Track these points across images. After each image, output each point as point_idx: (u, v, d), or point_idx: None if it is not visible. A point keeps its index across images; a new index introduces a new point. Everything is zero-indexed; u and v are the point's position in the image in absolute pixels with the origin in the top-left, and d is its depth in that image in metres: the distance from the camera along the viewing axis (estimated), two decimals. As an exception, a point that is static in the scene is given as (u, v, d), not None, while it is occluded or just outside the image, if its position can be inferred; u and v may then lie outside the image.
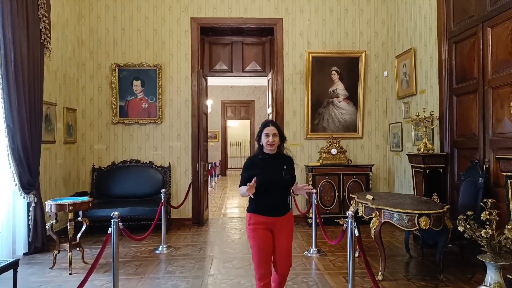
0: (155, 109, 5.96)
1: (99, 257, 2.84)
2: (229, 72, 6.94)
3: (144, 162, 5.93)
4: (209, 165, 10.79)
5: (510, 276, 3.05)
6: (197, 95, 6.01)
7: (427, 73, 5.03)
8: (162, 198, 4.65)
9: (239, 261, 4.08)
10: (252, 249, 2.50)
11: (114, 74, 5.90)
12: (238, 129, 17.29)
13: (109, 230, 2.95)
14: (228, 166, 16.83)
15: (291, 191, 2.60)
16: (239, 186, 2.55)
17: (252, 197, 2.40)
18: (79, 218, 4.02)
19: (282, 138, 2.62)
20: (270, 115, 6.32)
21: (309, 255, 4.25)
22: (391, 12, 6.17)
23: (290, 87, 6.23)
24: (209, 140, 8.18)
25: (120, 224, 3.01)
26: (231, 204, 8.16)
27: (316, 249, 4.29)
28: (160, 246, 4.53)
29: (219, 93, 14.91)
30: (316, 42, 6.24)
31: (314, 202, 4.38)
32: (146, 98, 5.96)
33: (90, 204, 4.11)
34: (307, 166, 5.96)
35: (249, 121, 15.47)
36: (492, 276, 2.79)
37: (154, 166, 5.90)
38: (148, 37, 6.05)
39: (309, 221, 5.49)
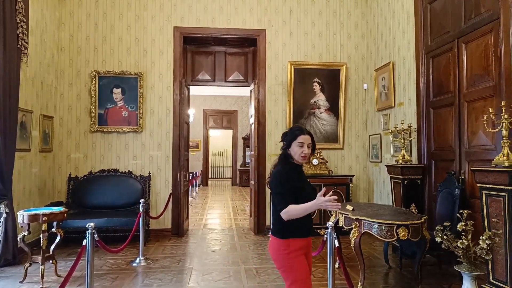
0: (135, 118, 5.87)
1: (72, 269, 2.73)
2: (212, 82, 6.93)
3: (123, 171, 5.81)
4: (190, 175, 10.69)
5: (485, 286, 3.11)
6: (179, 104, 5.97)
7: (405, 86, 5.16)
8: (141, 209, 4.55)
9: (218, 273, 4.02)
10: (297, 280, 2.06)
11: (93, 82, 5.79)
12: (220, 139, 17.24)
13: (84, 242, 2.85)
14: (210, 176, 16.70)
15: None
16: (284, 206, 2.03)
17: (337, 210, 2.06)
18: (53, 229, 3.88)
19: (314, 150, 2.28)
20: (252, 125, 6.33)
21: (289, 266, 4.22)
22: (370, 26, 6.33)
23: (273, 98, 6.27)
24: (190, 149, 8.10)
25: (96, 235, 2.92)
26: (212, 215, 8.06)
27: (297, 260, 4.27)
28: (138, 258, 4.41)
29: (202, 103, 14.87)
30: (298, 54, 6.32)
31: (295, 212, 4.37)
32: (127, 107, 5.87)
33: (65, 215, 3.98)
34: (289, 176, 5.96)
35: (231, 130, 15.45)
36: (468, 286, 2.83)
37: (133, 175, 5.78)
38: (129, 45, 5.99)
39: (290, 231, 5.46)
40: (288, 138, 2.22)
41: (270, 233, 2.22)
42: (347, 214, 3.74)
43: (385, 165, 5.14)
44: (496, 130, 3.26)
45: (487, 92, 3.65)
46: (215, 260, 4.53)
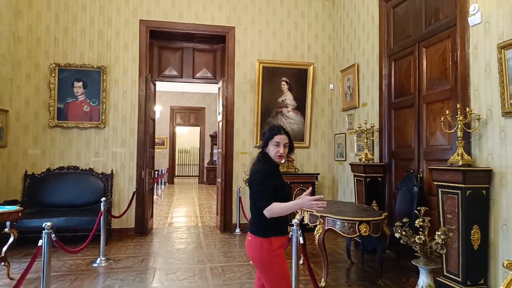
0: (97, 113, 5.65)
1: (26, 272, 2.60)
2: (179, 78, 6.82)
3: (84, 168, 5.57)
4: (156, 172, 10.48)
5: (439, 279, 3.29)
6: (144, 100, 5.81)
7: (369, 88, 5.33)
8: (102, 207, 4.40)
9: (183, 272, 3.96)
10: (280, 281, 2.08)
11: (53, 74, 5.51)
12: (188, 136, 17.02)
13: (40, 242, 2.71)
14: (176, 174, 16.46)
15: None
16: (267, 203, 2.02)
17: (322, 209, 2.05)
18: (6, 229, 3.66)
19: (291, 150, 2.27)
20: (220, 123, 6.29)
21: (255, 263, 4.24)
22: (337, 28, 6.47)
23: (241, 96, 6.26)
24: (156, 146, 7.93)
25: (53, 235, 2.78)
26: (177, 213, 7.94)
27: (263, 257, 4.29)
28: (98, 259, 4.26)
29: (168, 99, 14.60)
30: (267, 53, 6.35)
31: (262, 210, 4.40)
32: (88, 101, 5.63)
33: (20, 214, 3.76)
34: (256, 174, 5.99)
35: (199, 128, 15.29)
36: (424, 280, 2.97)
37: (94, 173, 5.57)
38: (93, 37, 5.75)
39: (257, 229, 5.49)
40: (265, 137, 2.23)
41: (249, 232, 2.18)
42: (312, 212, 3.81)
43: (349, 164, 5.29)
44: (452, 131, 3.45)
45: (444, 94, 3.84)
46: (180, 259, 4.47)
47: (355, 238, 4.23)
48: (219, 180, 6.28)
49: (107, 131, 5.73)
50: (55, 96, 5.51)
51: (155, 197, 10.32)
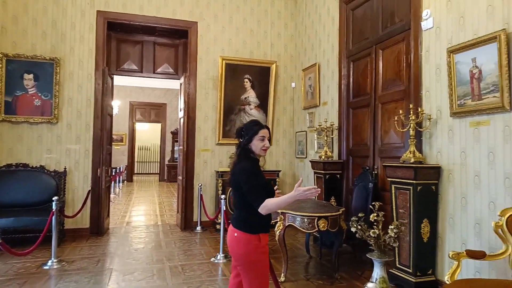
0: (50, 107, 5.34)
1: (-33, 277, 2.40)
2: (139, 73, 6.61)
3: (34, 166, 5.25)
4: (113, 170, 10.12)
5: (391, 270, 3.45)
6: (101, 94, 5.57)
7: (329, 87, 5.47)
8: (54, 207, 4.17)
9: (141, 273, 3.86)
10: (261, 277, 2.11)
11: (0, 65, 5.13)
12: (148, 133, 16.56)
13: (-18, 245, 2.52)
14: (135, 172, 16.01)
15: None
16: (261, 200, 2.01)
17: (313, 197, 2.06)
18: None
19: (270, 143, 2.32)
20: (182, 119, 6.18)
21: (216, 261, 4.22)
22: (299, 28, 6.57)
23: (203, 92, 6.19)
24: (114, 143, 7.65)
25: (-2, 237, 2.60)
26: (136, 212, 7.72)
27: (224, 254, 4.29)
28: (50, 261, 4.03)
29: (128, 94, 14.13)
30: (229, 49, 6.32)
31: (223, 207, 4.39)
32: (40, 95, 5.31)
33: (-40, 215, 3.47)
34: (218, 171, 5.96)
35: (160, 124, 14.94)
36: (378, 272, 3.10)
37: (46, 171, 5.26)
38: (45, 27, 5.42)
39: (218, 226, 5.47)
40: (250, 133, 2.21)
41: (234, 228, 2.14)
42: (273, 208, 3.85)
43: (310, 161, 5.40)
44: (405, 130, 3.62)
45: (398, 95, 4.03)
46: (138, 259, 4.34)
47: (314, 233, 4.33)
48: (180, 177, 6.18)
49: (60, 127, 5.44)
50: (3, 88, 5.14)
51: (112, 195, 9.95)
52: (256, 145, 2.19)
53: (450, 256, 2.52)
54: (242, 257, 2.11)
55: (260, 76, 6.43)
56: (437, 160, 3.42)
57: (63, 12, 5.50)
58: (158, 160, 15.70)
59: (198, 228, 5.85)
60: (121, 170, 12.38)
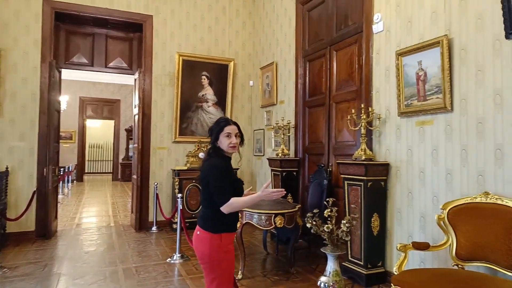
0: (-11, 102, 4.92)
1: None
2: (90, 66, 6.29)
3: (-29, 165, 4.83)
4: (61, 169, 9.58)
5: (344, 264, 3.59)
6: (47, 88, 5.22)
7: (285, 86, 5.55)
8: (-5, 209, 3.86)
9: (92, 276, 3.69)
10: (223, 276, 2.09)
11: None
12: (100, 130, 15.82)
13: None
14: (86, 171, 15.26)
15: None
16: (226, 199, 2.01)
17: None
18: None
19: (242, 140, 2.26)
20: (136, 116, 5.97)
21: (172, 261, 4.14)
22: (257, 26, 6.61)
23: (159, 88, 6.03)
24: (62, 141, 7.22)
25: None
26: (87, 213, 7.36)
27: (180, 254, 4.22)
28: (-11, 267, 3.74)
29: (78, 89, 13.43)
30: (187, 46, 6.21)
31: (180, 206, 4.31)
32: (-23, 87, 4.88)
33: None
34: (174, 170, 5.84)
35: (113, 121, 14.35)
36: (331, 265, 3.20)
37: (-15, 170, 4.85)
38: (-18, 14, 4.99)
39: (174, 226, 5.37)
40: (215, 130, 2.18)
41: (198, 226, 2.13)
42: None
43: (267, 159, 5.46)
44: (356, 128, 3.77)
45: (351, 95, 4.19)
46: (89, 262, 4.14)
47: (271, 230, 4.39)
48: (134, 176, 5.98)
49: (2, 123, 5.04)
50: None
51: (60, 196, 9.43)
52: (223, 142, 2.15)
53: (398, 248, 2.67)
54: (204, 256, 2.09)
55: (218, 73, 6.39)
56: (386, 157, 3.60)
57: (5, 0, 5.10)
58: (112, 159, 15.06)
59: (154, 228, 5.70)
60: (70, 169, 11.74)
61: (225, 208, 2.02)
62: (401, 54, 3.37)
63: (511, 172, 2.53)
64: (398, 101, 3.42)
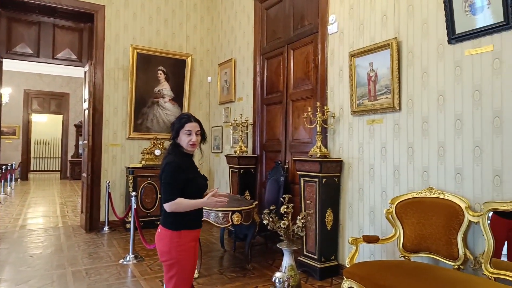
0: None
1: None
2: (35, 57, 5.89)
3: None
4: (4, 167, 8.93)
5: (300, 258, 3.68)
6: (-14, 79, 4.82)
7: (244, 83, 5.56)
8: None
9: (38, 280, 3.46)
10: (182, 274, 2.06)
11: None
12: (47, 125, 14.86)
13: None
14: (32, 169, 14.33)
15: None
16: (171, 198, 1.99)
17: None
18: None
19: (204, 137, 2.24)
20: (87, 111, 5.68)
21: (125, 262, 3.99)
22: (215, 22, 6.54)
23: (112, 82, 5.78)
24: (4, 137, 6.70)
25: None
26: (32, 214, 6.90)
27: (134, 255, 4.08)
28: None
29: (22, 81, 12.53)
30: (142, 39, 6.00)
31: (133, 205, 4.17)
32: None
33: None
34: (128, 168, 5.63)
35: (61, 116, 13.55)
36: (287, 260, 3.27)
37: None
38: None
39: (128, 226, 5.19)
40: (175, 126, 2.15)
41: (160, 224, 2.11)
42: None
43: (225, 156, 5.44)
44: (312, 126, 3.87)
45: (307, 94, 4.28)
46: (34, 265, 3.89)
47: (228, 227, 4.38)
48: (84, 175, 5.69)
49: None
50: None
51: (1, 196, 8.81)
52: (183, 139, 2.13)
53: (349, 242, 2.77)
54: (163, 254, 2.07)
55: (175, 68, 6.24)
56: (339, 154, 3.73)
57: None
58: (60, 156, 14.23)
59: (106, 228, 5.47)
60: (13, 167, 10.93)
61: (168, 206, 2.02)
62: (354, 55, 3.49)
63: (452, 168, 2.73)
64: (351, 100, 3.55)
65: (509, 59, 2.41)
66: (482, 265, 2.33)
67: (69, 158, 13.38)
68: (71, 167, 13.19)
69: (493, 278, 2.26)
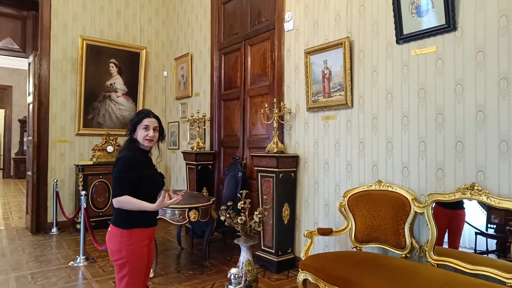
0: None
1: None
2: (-30, 46, 5.40)
3: None
4: None
5: (257, 253, 3.71)
6: None
7: (201, 78, 5.48)
8: None
9: (-24, 288, 3.21)
10: (134, 274, 1.99)
11: None
12: (-13, 121, 13.74)
13: None
14: (-30, 167, 13.18)
15: None
16: (119, 193, 1.93)
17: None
18: None
19: (162, 134, 2.20)
20: (31, 105, 5.30)
21: (75, 264, 3.80)
22: (171, 15, 6.37)
23: (59, 75, 5.44)
24: None
25: None
26: (-30, 216, 6.35)
27: (85, 257, 3.89)
28: None
29: (-43, 72, 11.45)
30: (92, 29, 5.70)
31: (84, 204, 3.97)
32: None
33: None
34: (78, 165, 5.34)
35: (3, 110, 12.58)
36: (244, 256, 3.28)
37: None
38: None
39: (78, 226, 4.94)
40: (133, 121, 2.11)
41: (111, 223, 2.04)
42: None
43: (182, 152, 5.34)
44: (269, 122, 3.90)
45: (264, 90, 4.31)
46: (-28, 272, 3.59)
47: (185, 224, 4.31)
48: (29, 173, 5.32)
49: None
50: None
51: None
52: (139, 134, 2.09)
53: (305, 235, 2.84)
54: (113, 253, 2.00)
55: (129, 61, 6.01)
56: (295, 150, 3.80)
57: None
58: (2, 153, 13.22)
59: (54, 230, 5.16)
60: None
61: (115, 202, 1.97)
62: (309, 52, 3.56)
63: (398, 162, 2.88)
64: (306, 97, 3.62)
65: (450, 60, 2.58)
66: (427, 253, 2.49)
67: (12, 155, 12.48)
68: (15, 165, 12.32)
69: (436, 265, 2.42)
